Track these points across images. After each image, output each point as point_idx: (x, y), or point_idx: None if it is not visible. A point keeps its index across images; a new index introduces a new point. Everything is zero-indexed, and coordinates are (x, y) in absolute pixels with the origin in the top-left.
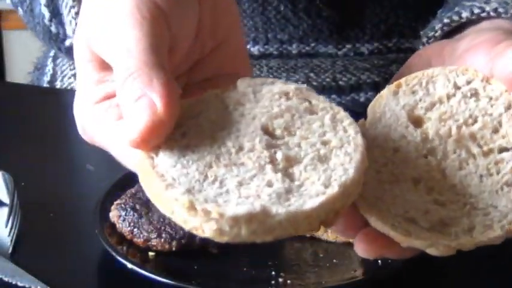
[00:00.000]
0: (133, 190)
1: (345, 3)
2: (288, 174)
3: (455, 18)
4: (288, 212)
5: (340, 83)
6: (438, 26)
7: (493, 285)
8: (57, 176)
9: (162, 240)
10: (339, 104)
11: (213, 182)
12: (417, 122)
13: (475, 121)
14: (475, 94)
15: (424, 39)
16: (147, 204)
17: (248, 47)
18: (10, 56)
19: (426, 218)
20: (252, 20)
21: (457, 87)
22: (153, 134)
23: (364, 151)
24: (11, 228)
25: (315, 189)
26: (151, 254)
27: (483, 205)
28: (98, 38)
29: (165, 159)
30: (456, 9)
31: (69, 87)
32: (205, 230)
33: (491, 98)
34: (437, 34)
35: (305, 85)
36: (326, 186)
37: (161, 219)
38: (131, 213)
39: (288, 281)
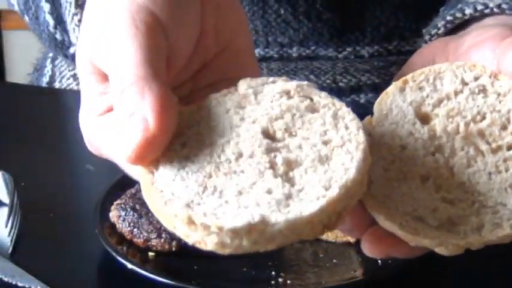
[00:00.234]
0: (133, 190)
1: (345, 6)
2: (288, 179)
3: (459, 15)
4: (287, 220)
5: (341, 84)
6: (441, 23)
7: (493, 285)
8: (57, 176)
9: (162, 240)
10: None
11: (213, 193)
12: (424, 118)
13: (483, 118)
14: (483, 90)
15: (427, 37)
16: (147, 204)
17: None
18: (10, 56)
19: (434, 216)
20: (252, 23)
21: (464, 83)
22: (147, 151)
23: (367, 148)
24: (11, 228)
25: (315, 193)
26: (151, 254)
27: (492, 203)
28: (96, 51)
29: (164, 173)
30: (459, 6)
31: (67, 88)
32: (208, 243)
33: (499, 94)
34: (440, 32)
35: (306, 81)
36: (327, 189)
37: None
38: (131, 213)
39: (288, 281)
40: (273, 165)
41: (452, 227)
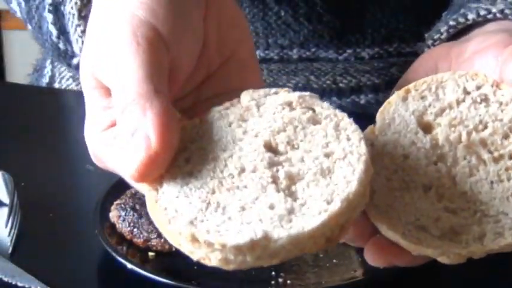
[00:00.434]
0: (133, 190)
1: (345, 8)
2: (290, 193)
3: (461, 20)
4: (290, 236)
5: (341, 85)
6: (444, 28)
7: (493, 285)
8: (57, 176)
9: (162, 240)
10: (340, 106)
11: (216, 210)
12: (427, 127)
13: (485, 127)
14: (485, 99)
15: (429, 42)
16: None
17: None
18: (10, 56)
19: (437, 225)
20: (252, 25)
21: (466, 93)
22: (150, 169)
23: (368, 159)
24: (11, 228)
25: (317, 207)
26: (151, 254)
27: (494, 212)
28: (99, 66)
29: (168, 190)
30: (462, 11)
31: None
32: (212, 260)
33: (501, 103)
34: (442, 36)
35: (308, 92)
36: (328, 203)
37: None
38: (131, 213)
39: (288, 281)
40: (275, 180)
41: (455, 236)
